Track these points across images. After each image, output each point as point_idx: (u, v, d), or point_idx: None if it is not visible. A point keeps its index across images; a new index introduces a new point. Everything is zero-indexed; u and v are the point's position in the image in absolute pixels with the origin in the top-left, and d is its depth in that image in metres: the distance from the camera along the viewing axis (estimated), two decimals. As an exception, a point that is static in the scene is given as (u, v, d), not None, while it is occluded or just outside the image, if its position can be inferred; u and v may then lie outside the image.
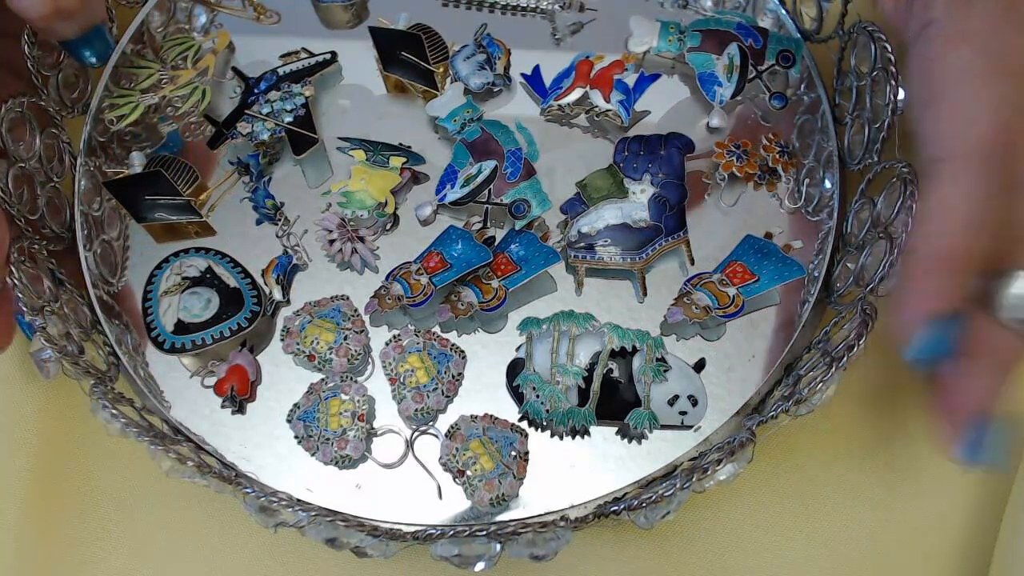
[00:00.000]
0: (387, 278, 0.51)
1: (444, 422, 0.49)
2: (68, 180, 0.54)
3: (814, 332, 0.51)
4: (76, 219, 0.53)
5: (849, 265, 0.51)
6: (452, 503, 0.48)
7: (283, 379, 0.51)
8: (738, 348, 0.51)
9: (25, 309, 0.46)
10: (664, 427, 0.49)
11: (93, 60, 0.50)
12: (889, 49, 0.50)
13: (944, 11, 0.43)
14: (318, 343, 0.49)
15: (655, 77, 0.57)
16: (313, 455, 0.48)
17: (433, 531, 0.43)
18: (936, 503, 0.53)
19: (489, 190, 0.53)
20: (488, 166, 0.53)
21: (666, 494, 0.43)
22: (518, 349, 0.51)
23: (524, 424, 0.50)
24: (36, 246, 0.50)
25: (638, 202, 0.53)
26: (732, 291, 0.50)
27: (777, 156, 0.55)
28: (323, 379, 0.50)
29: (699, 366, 0.50)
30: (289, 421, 0.49)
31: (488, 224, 0.53)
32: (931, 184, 0.42)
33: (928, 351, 0.41)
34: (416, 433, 0.49)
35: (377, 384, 0.50)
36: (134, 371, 0.50)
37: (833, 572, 0.52)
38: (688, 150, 0.54)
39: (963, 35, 0.43)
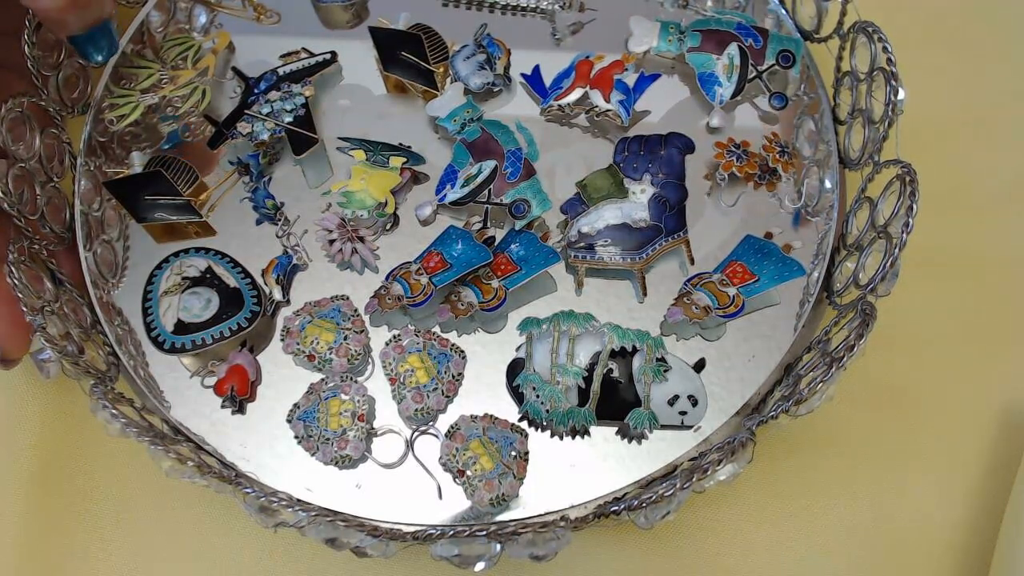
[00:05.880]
0: (387, 278, 0.51)
1: (444, 422, 0.49)
2: (68, 180, 0.54)
3: (814, 332, 0.51)
4: (76, 219, 0.53)
5: (849, 265, 0.51)
6: (452, 503, 0.48)
7: (283, 379, 0.51)
8: (738, 348, 0.51)
9: (25, 309, 0.46)
10: (664, 427, 0.49)
11: (99, 58, 0.50)
12: (889, 49, 0.50)
13: None
14: (318, 343, 0.49)
15: (655, 77, 0.57)
16: (313, 455, 0.48)
17: (433, 531, 0.43)
18: (936, 503, 0.53)
19: (489, 190, 0.53)
20: (488, 166, 0.53)
21: (666, 494, 0.43)
22: (518, 349, 0.51)
23: (524, 424, 0.50)
24: (36, 246, 0.50)
25: (638, 202, 0.53)
26: (732, 291, 0.50)
27: (777, 156, 0.55)
28: (323, 379, 0.50)
29: (699, 366, 0.50)
30: (289, 421, 0.49)
31: (488, 224, 0.53)
32: None
33: None
34: (416, 433, 0.49)
35: (377, 384, 0.50)
36: (134, 371, 0.50)
37: (832, 571, 0.52)
38: (688, 150, 0.55)
39: None
